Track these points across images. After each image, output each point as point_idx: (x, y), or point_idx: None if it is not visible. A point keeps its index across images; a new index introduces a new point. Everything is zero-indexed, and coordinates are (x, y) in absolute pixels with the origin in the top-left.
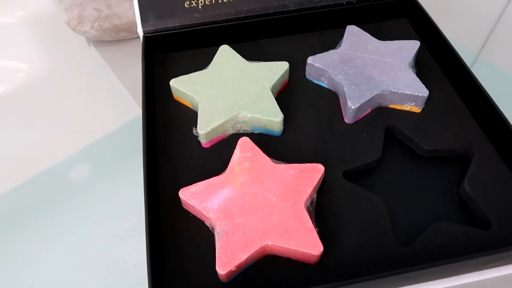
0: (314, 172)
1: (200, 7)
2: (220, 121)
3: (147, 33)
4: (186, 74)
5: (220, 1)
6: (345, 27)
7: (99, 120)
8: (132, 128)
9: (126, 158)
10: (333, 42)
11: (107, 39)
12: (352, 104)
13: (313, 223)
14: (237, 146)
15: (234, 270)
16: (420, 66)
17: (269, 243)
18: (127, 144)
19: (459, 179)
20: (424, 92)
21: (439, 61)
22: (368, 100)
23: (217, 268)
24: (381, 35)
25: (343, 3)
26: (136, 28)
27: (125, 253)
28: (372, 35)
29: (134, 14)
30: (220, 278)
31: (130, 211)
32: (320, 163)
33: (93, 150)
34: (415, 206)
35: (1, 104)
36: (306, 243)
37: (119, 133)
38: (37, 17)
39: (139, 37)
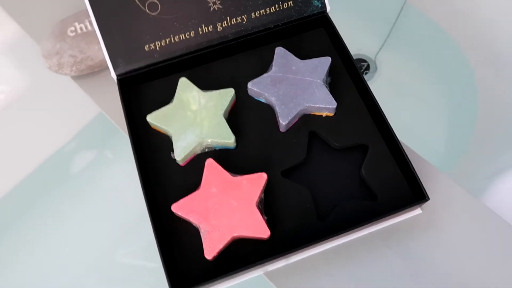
0: (260, 179)
1: (158, 48)
2: (191, 147)
3: (119, 76)
4: (156, 101)
5: (173, 41)
6: (275, 43)
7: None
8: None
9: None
10: (267, 57)
11: (84, 74)
12: (283, 121)
13: (262, 216)
14: (205, 167)
15: (216, 254)
16: (334, 75)
17: (235, 234)
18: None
19: (360, 164)
20: (333, 104)
21: (348, 70)
22: (295, 114)
23: (205, 255)
24: (303, 45)
25: (271, 26)
26: (106, 64)
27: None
28: (298, 45)
29: (103, 55)
30: (208, 259)
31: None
32: (263, 166)
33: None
34: (331, 189)
35: None
36: (259, 230)
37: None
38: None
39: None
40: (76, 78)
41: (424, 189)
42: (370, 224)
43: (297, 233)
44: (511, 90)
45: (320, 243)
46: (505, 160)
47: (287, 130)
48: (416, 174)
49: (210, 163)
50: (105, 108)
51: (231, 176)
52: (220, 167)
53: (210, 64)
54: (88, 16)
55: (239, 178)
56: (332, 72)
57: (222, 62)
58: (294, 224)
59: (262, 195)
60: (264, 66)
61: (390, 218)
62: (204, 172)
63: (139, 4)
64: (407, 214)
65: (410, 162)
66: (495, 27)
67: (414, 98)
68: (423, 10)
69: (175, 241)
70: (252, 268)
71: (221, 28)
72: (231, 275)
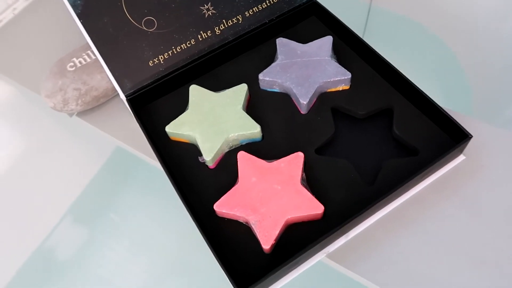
0: (297, 158)
1: (162, 61)
2: (218, 145)
3: (128, 96)
4: (169, 116)
5: (176, 52)
6: (273, 38)
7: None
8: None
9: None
10: (268, 53)
11: (89, 108)
12: (303, 100)
13: (310, 193)
14: (238, 160)
15: (274, 242)
16: (337, 53)
17: (289, 217)
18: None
19: (389, 126)
20: (347, 74)
21: (348, 44)
22: (313, 93)
23: (263, 245)
24: (301, 35)
25: (266, 21)
26: (111, 92)
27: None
28: (295, 37)
29: (107, 83)
30: (265, 251)
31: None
32: (295, 150)
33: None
34: (368, 155)
35: None
36: (312, 207)
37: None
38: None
39: (114, 97)
40: (82, 114)
41: (464, 128)
42: (421, 175)
43: (350, 203)
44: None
45: (377, 207)
46: None
47: (309, 111)
48: (451, 116)
49: (242, 155)
50: (119, 136)
51: (267, 163)
52: (253, 156)
53: (215, 71)
54: (85, 49)
55: (276, 163)
56: (335, 53)
57: (227, 66)
58: (344, 196)
59: (304, 174)
60: (268, 62)
61: (438, 167)
62: (239, 165)
63: (136, 24)
64: (452, 162)
65: (441, 108)
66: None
67: None
68: (389, 9)
69: (225, 244)
70: (313, 250)
71: (219, 31)
72: (292, 262)
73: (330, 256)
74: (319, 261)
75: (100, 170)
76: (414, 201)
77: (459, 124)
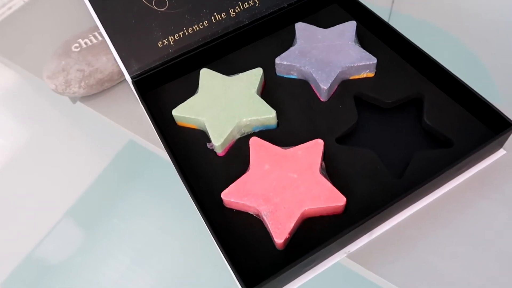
0: (317, 146)
1: (172, 43)
2: (229, 130)
3: (134, 78)
4: (177, 102)
5: (187, 33)
6: (292, 25)
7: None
8: (138, 159)
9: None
10: (286, 39)
11: (93, 92)
12: (324, 85)
13: (330, 183)
14: (250, 145)
15: (288, 236)
16: (361, 40)
17: (306, 208)
18: (143, 175)
19: (418, 116)
20: (373, 59)
21: (373, 31)
22: (334, 78)
23: (275, 239)
24: (322, 23)
25: (284, 6)
26: (117, 76)
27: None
28: (315, 24)
29: (113, 65)
30: (278, 246)
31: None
32: (314, 138)
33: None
34: (395, 147)
35: None
36: (332, 198)
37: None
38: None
39: (119, 83)
40: (85, 100)
41: (506, 116)
42: (456, 168)
43: (375, 197)
44: None
45: (406, 203)
46: None
47: (329, 99)
48: (492, 104)
49: (254, 140)
50: (125, 123)
51: (282, 149)
52: (267, 142)
53: (229, 56)
54: (92, 31)
55: (292, 150)
56: (357, 37)
57: (241, 52)
58: (368, 189)
59: (323, 163)
60: (285, 49)
61: (475, 161)
62: (251, 151)
63: (146, 3)
64: (491, 157)
65: (480, 94)
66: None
67: None
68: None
69: (233, 237)
70: (331, 247)
71: (234, 13)
72: (307, 260)
73: (351, 256)
74: (338, 261)
75: (104, 160)
76: (448, 198)
77: (500, 111)
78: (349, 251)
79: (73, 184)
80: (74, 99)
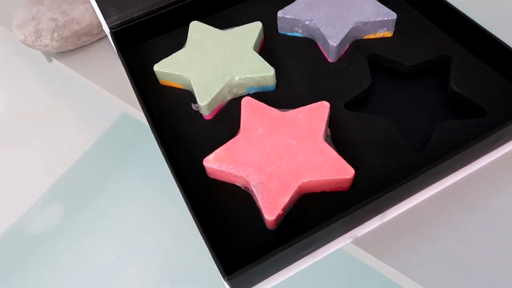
0: (321, 108)
1: None
2: (218, 89)
3: (113, 28)
4: (161, 59)
5: None
6: None
7: (87, 129)
8: (122, 125)
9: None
10: None
11: (69, 48)
12: (333, 42)
13: (336, 152)
14: (242, 106)
15: (281, 213)
16: None
17: (305, 180)
18: (124, 141)
19: (443, 83)
20: (392, 15)
21: None
22: (346, 35)
23: (265, 215)
24: None
25: None
26: (97, 30)
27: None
28: None
29: (91, 16)
30: (269, 225)
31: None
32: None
33: (92, 156)
34: (416, 116)
35: None
36: (338, 170)
37: (111, 134)
38: None
39: (100, 39)
40: (58, 56)
41: None
42: (489, 141)
43: (388, 172)
44: None
45: (427, 180)
46: None
47: (338, 60)
48: None
49: (247, 100)
50: (97, 81)
51: (279, 112)
52: (262, 103)
53: (226, 11)
54: None
55: (292, 112)
56: None
57: (238, 6)
58: (381, 162)
59: (328, 130)
60: (288, 3)
61: None
62: (242, 112)
63: None
64: None
65: None
66: None
67: None
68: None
69: (216, 213)
70: (334, 228)
71: None
72: (302, 242)
73: (358, 242)
74: (342, 247)
75: (84, 130)
76: (478, 177)
77: None
78: (355, 236)
79: (50, 157)
80: (48, 55)
